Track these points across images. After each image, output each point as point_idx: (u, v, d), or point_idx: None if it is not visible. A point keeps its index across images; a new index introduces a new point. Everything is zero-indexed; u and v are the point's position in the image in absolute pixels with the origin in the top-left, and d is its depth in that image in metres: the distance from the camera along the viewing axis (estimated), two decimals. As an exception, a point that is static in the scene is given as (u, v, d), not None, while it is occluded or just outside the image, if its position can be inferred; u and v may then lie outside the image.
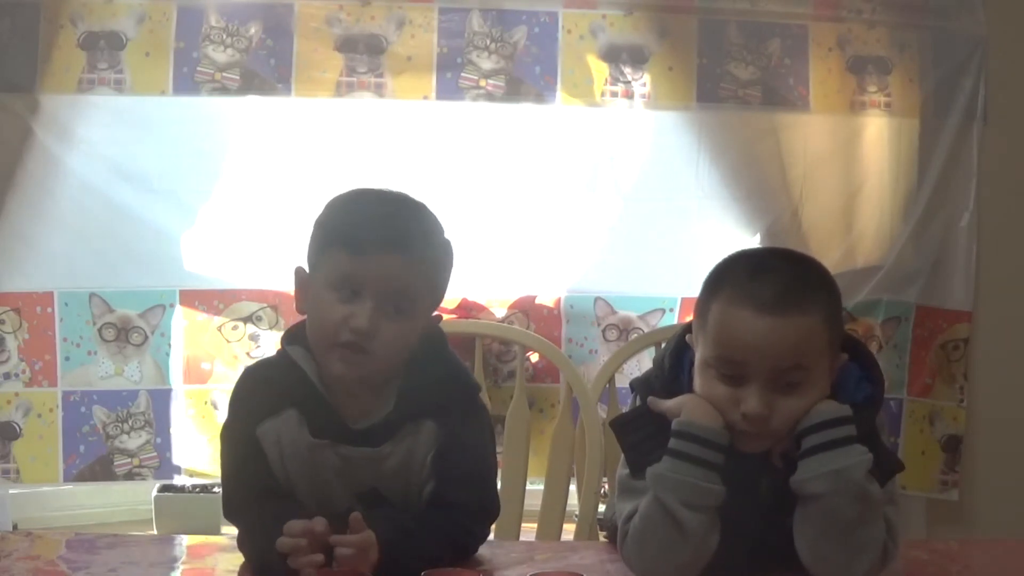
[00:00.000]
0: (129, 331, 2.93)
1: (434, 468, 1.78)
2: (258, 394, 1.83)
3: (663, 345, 1.85)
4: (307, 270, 1.83)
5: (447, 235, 1.85)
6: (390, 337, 1.75)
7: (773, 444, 1.68)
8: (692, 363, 1.72)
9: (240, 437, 1.81)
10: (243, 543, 1.78)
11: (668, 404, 1.70)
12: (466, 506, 1.78)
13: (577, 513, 2.56)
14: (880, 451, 1.67)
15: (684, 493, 1.65)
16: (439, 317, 1.89)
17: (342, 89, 2.93)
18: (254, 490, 1.79)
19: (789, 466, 1.67)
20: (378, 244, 1.75)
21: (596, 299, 3.05)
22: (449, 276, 1.86)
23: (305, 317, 1.82)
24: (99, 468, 2.94)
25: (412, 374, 1.81)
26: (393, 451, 1.79)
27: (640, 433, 1.72)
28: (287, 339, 1.85)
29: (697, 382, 1.69)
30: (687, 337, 1.75)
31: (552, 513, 2.59)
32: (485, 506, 1.82)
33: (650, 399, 1.72)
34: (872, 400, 1.72)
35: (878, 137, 3.12)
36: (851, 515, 1.63)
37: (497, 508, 1.85)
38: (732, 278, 1.68)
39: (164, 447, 2.96)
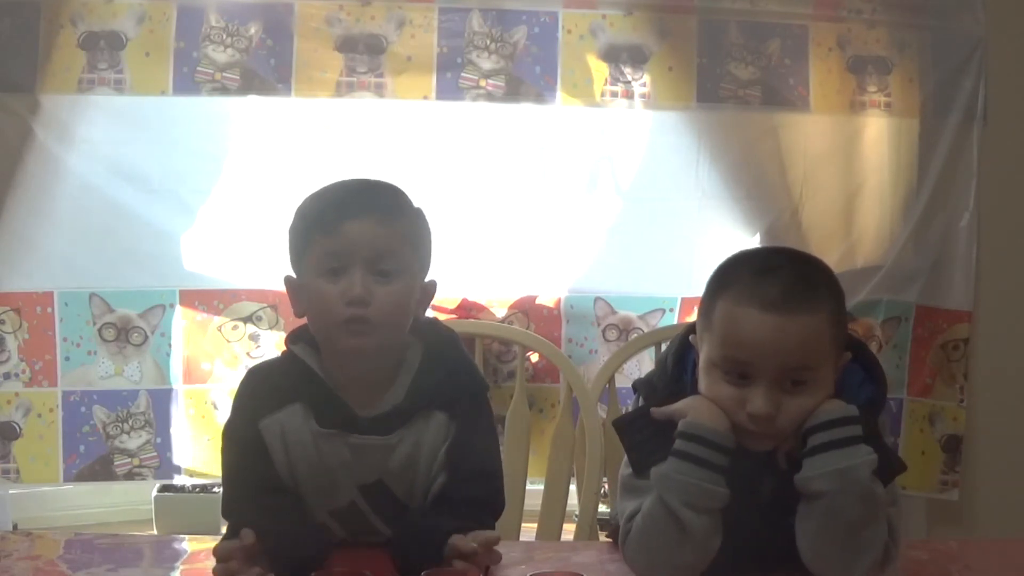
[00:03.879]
0: (129, 331, 2.93)
1: (447, 462, 1.79)
2: (262, 391, 1.84)
3: (663, 345, 1.85)
4: (294, 276, 1.86)
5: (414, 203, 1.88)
6: (386, 300, 1.77)
7: (779, 443, 1.68)
8: (695, 363, 1.72)
9: (242, 435, 1.82)
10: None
11: (673, 407, 1.70)
12: (476, 501, 1.79)
13: (577, 513, 2.56)
14: (883, 452, 1.67)
15: (688, 494, 1.65)
16: (434, 283, 1.89)
17: (342, 89, 2.93)
18: (253, 488, 1.79)
19: (792, 466, 1.67)
20: (349, 213, 1.79)
21: (596, 299, 3.05)
22: (429, 240, 1.87)
23: (306, 319, 1.84)
24: (99, 468, 2.94)
25: (425, 366, 1.82)
26: (403, 439, 1.80)
27: (643, 433, 1.72)
28: (291, 339, 1.87)
29: (702, 383, 1.69)
30: (691, 337, 1.75)
31: (552, 513, 2.59)
32: (494, 502, 1.83)
33: (653, 409, 1.72)
34: (875, 401, 1.72)
35: (878, 137, 3.12)
36: (854, 514, 1.63)
37: (503, 505, 1.86)
38: (737, 277, 1.68)
39: (164, 447, 2.96)
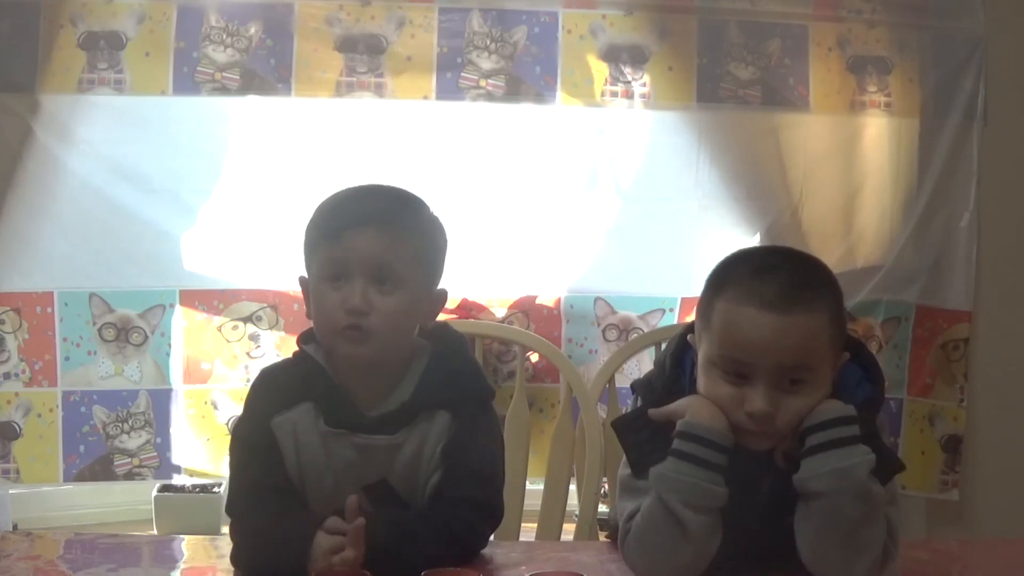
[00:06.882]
0: (129, 331, 2.93)
1: (442, 459, 1.80)
2: (273, 391, 1.85)
3: (663, 345, 1.85)
4: (307, 276, 1.86)
5: (433, 213, 1.87)
6: (385, 311, 1.78)
7: (777, 442, 1.68)
8: (693, 364, 1.72)
9: (252, 434, 1.83)
10: (241, 537, 1.78)
11: (671, 408, 1.70)
12: (470, 502, 1.78)
13: (577, 513, 2.56)
14: (881, 451, 1.67)
15: (687, 494, 1.65)
16: (444, 292, 1.89)
17: (342, 89, 2.93)
18: (259, 486, 1.80)
19: (791, 465, 1.67)
20: (352, 221, 1.80)
21: (596, 299, 3.05)
22: (441, 251, 1.88)
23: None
24: (99, 468, 2.94)
25: (432, 367, 1.83)
26: (407, 439, 1.80)
27: (642, 433, 1.72)
28: (303, 338, 1.88)
29: (701, 382, 1.69)
30: (688, 337, 1.75)
31: (552, 513, 2.59)
32: (489, 505, 1.83)
33: (651, 411, 1.72)
34: (873, 401, 1.72)
35: (878, 137, 3.12)
36: (853, 514, 1.63)
37: (501, 511, 1.85)
38: (736, 277, 1.68)
39: (164, 447, 2.96)
